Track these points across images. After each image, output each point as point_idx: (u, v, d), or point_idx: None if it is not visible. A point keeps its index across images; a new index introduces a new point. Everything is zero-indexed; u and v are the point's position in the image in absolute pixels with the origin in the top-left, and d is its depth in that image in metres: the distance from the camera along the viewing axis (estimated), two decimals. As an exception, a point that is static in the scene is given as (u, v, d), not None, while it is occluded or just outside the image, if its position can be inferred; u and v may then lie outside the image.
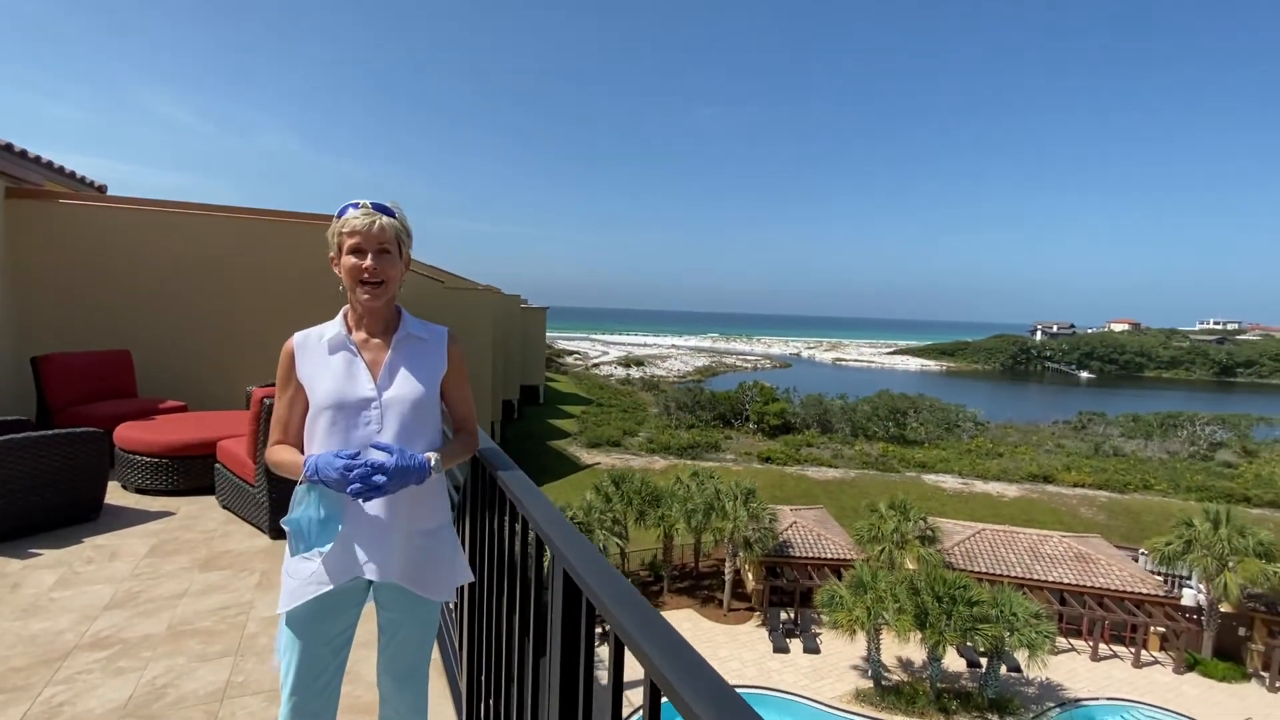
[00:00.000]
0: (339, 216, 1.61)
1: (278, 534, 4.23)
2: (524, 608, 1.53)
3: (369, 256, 1.58)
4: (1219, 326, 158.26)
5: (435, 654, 2.90)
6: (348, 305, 1.68)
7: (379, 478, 1.46)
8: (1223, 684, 20.32)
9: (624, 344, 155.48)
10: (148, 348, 6.83)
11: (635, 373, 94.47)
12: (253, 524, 4.39)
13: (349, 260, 1.58)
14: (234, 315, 7.40)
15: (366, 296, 1.60)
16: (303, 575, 1.57)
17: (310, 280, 7.73)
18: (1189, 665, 21.00)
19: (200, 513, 4.66)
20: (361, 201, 1.60)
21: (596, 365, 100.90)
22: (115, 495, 4.90)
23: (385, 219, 1.60)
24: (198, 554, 3.93)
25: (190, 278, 7.20)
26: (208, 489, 5.00)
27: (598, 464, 38.70)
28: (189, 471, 4.95)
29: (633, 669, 0.88)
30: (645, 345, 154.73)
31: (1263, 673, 20.62)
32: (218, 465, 4.72)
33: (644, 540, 26.64)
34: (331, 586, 1.57)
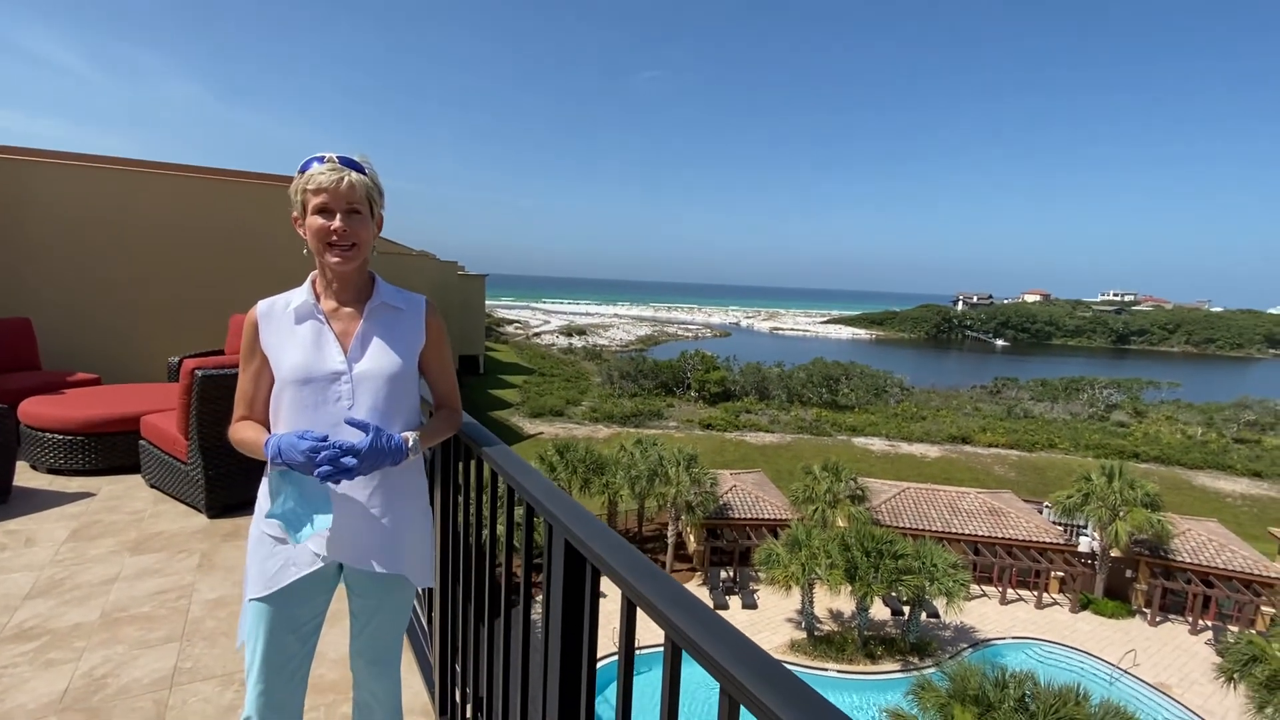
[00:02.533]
0: (302, 172, 1.46)
1: (216, 513, 4.02)
2: (509, 579, 1.53)
3: (337, 217, 1.45)
4: (1117, 298, 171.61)
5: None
6: (315, 271, 1.56)
7: (349, 460, 1.36)
8: (1111, 620, 22.67)
9: (566, 313, 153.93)
10: (50, 316, 6.25)
11: (578, 342, 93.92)
12: (187, 503, 4.14)
13: (315, 221, 1.45)
14: (148, 281, 6.84)
15: (336, 260, 1.47)
16: (273, 559, 1.49)
17: (232, 242, 7.23)
18: (1083, 605, 23.27)
19: (125, 493, 4.36)
20: (327, 155, 1.45)
21: (538, 334, 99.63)
22: (25, 477, 4.51)
23: (354, 175, 1.45)
24: (127, 536, 3.69)
25: (94, 239, 6.59)
26: (131, 468, 4.67)
27: (541, 434, 38.55)
28: (109, 449, 4.60)
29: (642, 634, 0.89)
30: (588, 314, 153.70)
31: (1145, 609, 23.10)
32: (143, 442, 4.41)
33: (588, 508, 26.46)
34: (306, 571, 1.49)
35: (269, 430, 1.52)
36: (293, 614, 1.50)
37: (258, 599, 1.47)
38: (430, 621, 2.28)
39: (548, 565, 1.17)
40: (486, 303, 66.65)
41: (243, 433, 1.51)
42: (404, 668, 2.61)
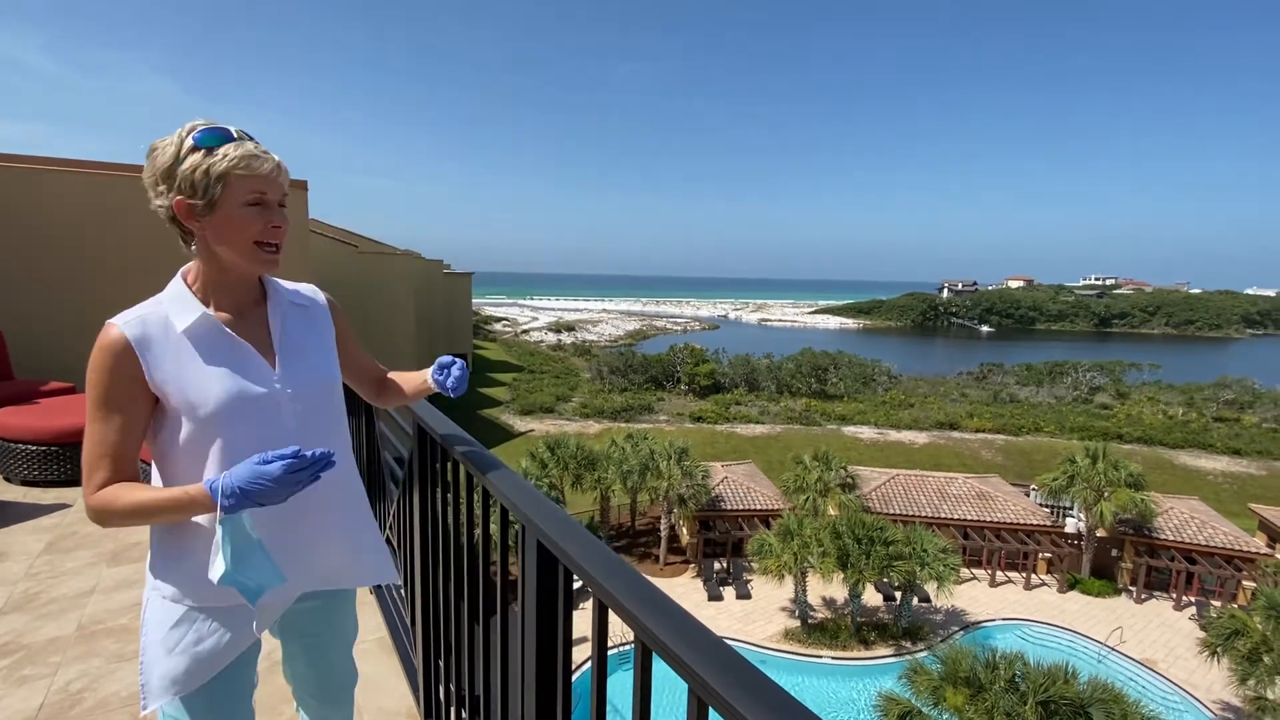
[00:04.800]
0: (204, 147, 1.16)
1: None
2: (488, 579, 1.50)
3: (277, 212, 1.23)
4: (1099, 282, 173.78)
5: (384, 631, 2.84)
6: (185, 270, 1.29)
7: (328, 454, 1.21)
8: (1098, 599, 23.03)
9: (554, 309, 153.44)
10: (20, 323, 6.11)
11: (566, 338, 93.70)
12: (166, 511, 4.07)
13: (247, 216, 1.19)
14: (123, 286, 6.71)
15: (269, 263, 1.25)
16: (209, 638, 1.23)
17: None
18: (1070, 585, 23.62)
19: (102, 503, 4.27)
20: (233, 129, 1.20)
21: (526, 332, 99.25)
22: (-3, 489, 4.42)
23: (280, 160, 1.25)
24: (103, 548, 3.62)
25: (65, 244, 6.45)
26: (109, 477, 4.58)
27: (531, 431, 38.43)
28: (85, 459, 4.51)
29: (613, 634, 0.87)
30: (576, 310, 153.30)
31: (1130, 587, 23.49)
32: (119, 451, 4.32)
33: (581, 503, 26.91)
34: (259, 635, 1.28)
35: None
36: (239, 685, 1.30)
37: (196, 694, 1.23)
38: (413, 622, 2.25)
39: (521, 567, 1.15)
40: (473, 301, 66.25)
41: (130, 496, 1.14)
42: (388, 670, 2.59)
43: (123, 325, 1.17)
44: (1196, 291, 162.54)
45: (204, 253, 1.25)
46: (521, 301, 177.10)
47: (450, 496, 1.73)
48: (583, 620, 1.37)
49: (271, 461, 1.10)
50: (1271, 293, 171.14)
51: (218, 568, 1.10)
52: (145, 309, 1.22)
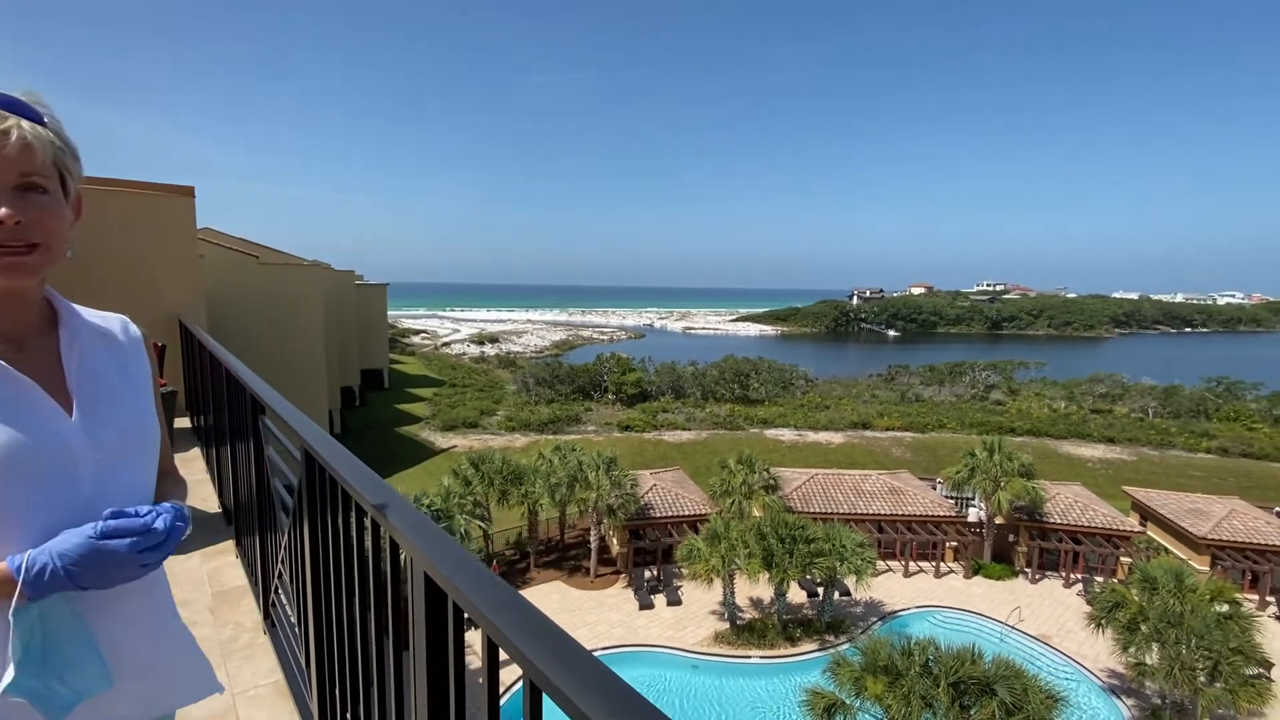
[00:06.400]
0: None
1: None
2: (380, 614, 1.38)
3: (3, 197, 0.91)
4: (990, 288, 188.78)
5: (279, 674, 2.61)
6: None
7: (181, 524, 1.01)
8: (999, 582, 24.81)
9: (476, 321, 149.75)
10: None
11: (490, 350, 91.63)
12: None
13: None
14: None
15: (8, 263, 0.92)
16: None
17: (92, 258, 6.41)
18: (975, 570, 25.32)
19: None
20: None
21: (447, 344, 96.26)
22: None
23: (29, 126, 0.92)
24: None
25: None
26: None
27: (454, 447, 37.19)
28: None
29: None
30: (499, 321, 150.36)
31: (1026, 569, 25.45)
32: None
33: (508, 519, 26.25)
34: None
35: None
36: None
37: None
38: (309, 664, 2.07)
39: (410, 602, 1.06)
40: (390, 313, 63.61)
41: None
42: (284, 717, 2.37)
43: None
44: (1073, 296, 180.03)
45: None
46: (441, 313, 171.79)
47: (341, 527, 1.60)
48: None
49: (110, 536, 0.89)
50: (1135, 296, 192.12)
51: (5, 675, 0.85)
52: None
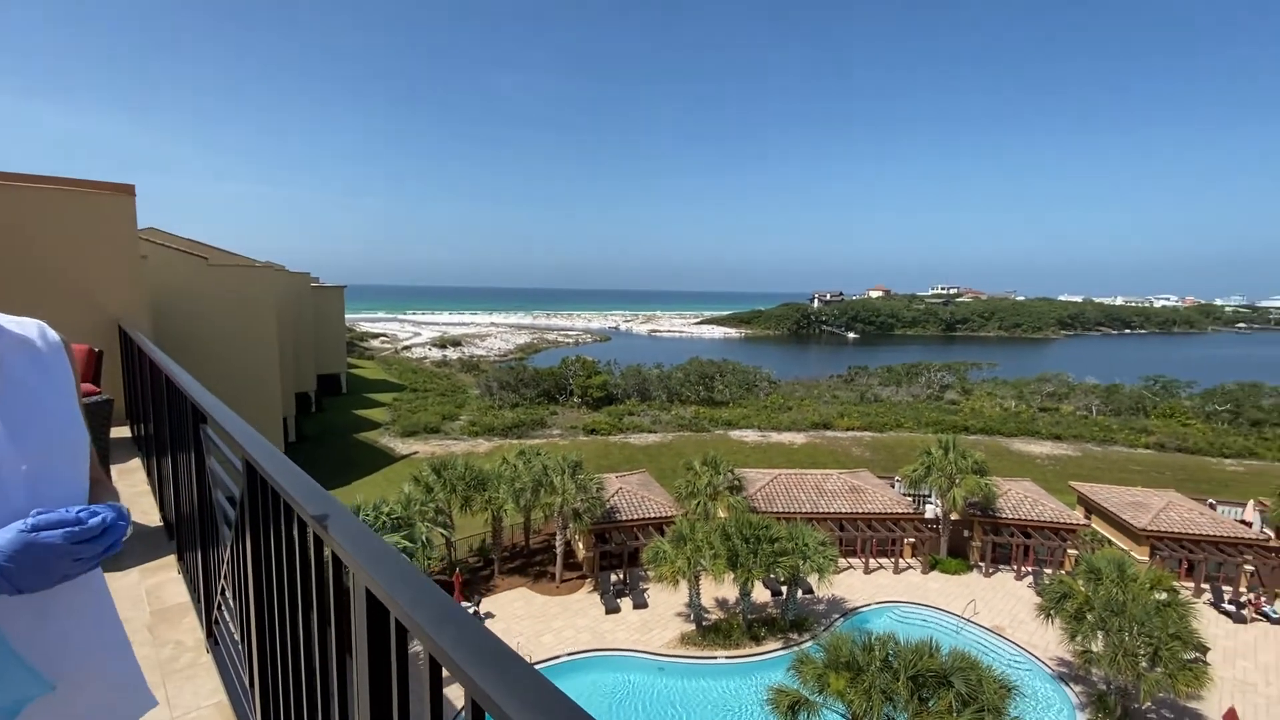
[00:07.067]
0: None
1: None
2: (324, 632, 1.33)
3: None
4: (944, 291, 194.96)
5: (223, 695, 2.50)
6: None
7: (122, 521, 0.97)
8: (955, 576, 25.57)
9: (438, 324, 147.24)
10: None
11: (452, 354, 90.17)
12: None
13: None
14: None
15: None
16: None
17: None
18: (932, 565, 26.03)
19: None
20: None
21: (408, 348, 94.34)
22: None
23: None
24: None
25: None
26: None
27: (415, 453, 36.44)
28: None
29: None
30: (462, 324, 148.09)
31: (980, 563, 26.29)
32: None
33: (472, 526, 25.83)
34: None
35: None
36: None
37: None
38: (252, 684, 1.98)
39: (353, 619, 1.02)
40: (347, 316, 62.10)
41: None
42: (227, 743, 2.27)
43: None
44: (1022, 298, 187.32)
45: None
46: (402, 316, 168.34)
47: (284, 541, 1.53)
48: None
49: (42, 529, 0.85)
50: (1079, 299, 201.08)
51: None
52: None
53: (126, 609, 3.19)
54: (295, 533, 1.41)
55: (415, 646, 0.93)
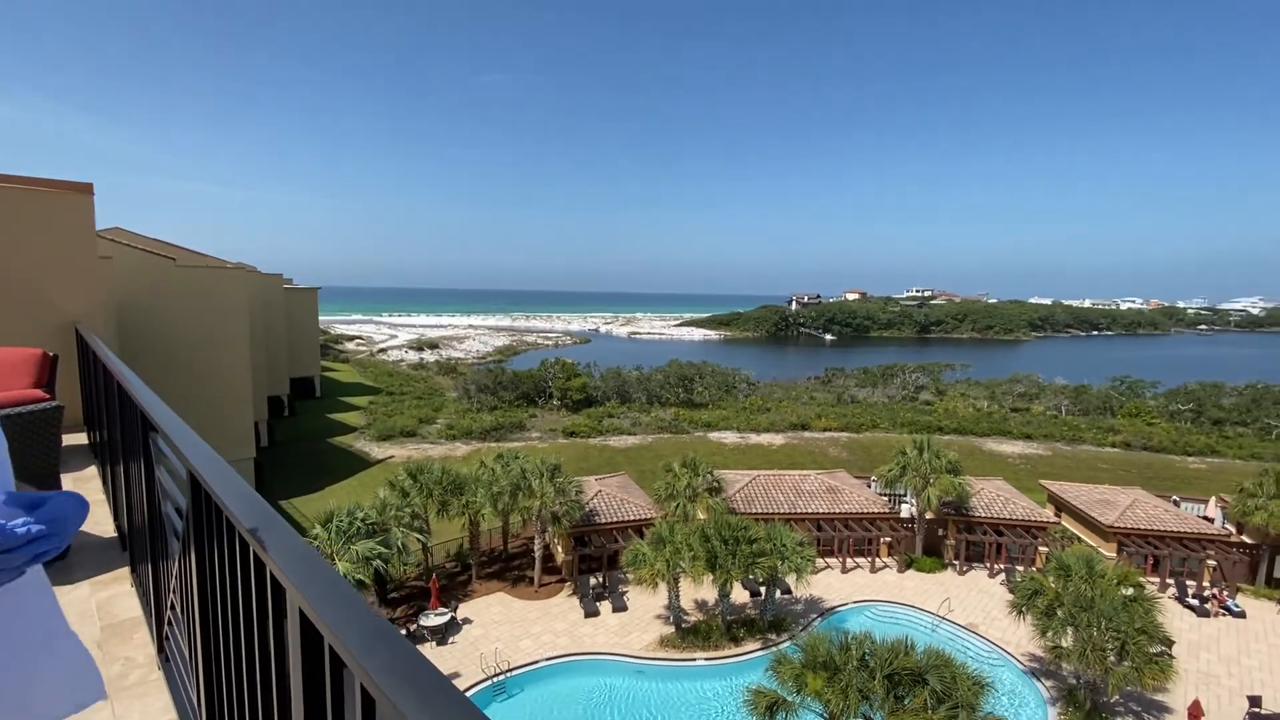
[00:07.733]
0: None
1: None
2: (265, 653, 1.26)
3: None
4: (919, 294, 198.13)
5: (173, 714, 2.39)
6: None
7: (81, 509, 0.97)
8: (930, 575, 25.92)
9: (415, 326, 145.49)
10: None
11: (429, 356, 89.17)
12: None
13: None
14: None
15: None
16: None
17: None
18: (907, 564, 26.37)
19: None
20: None
21: (384, 350, 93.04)
22: None
23: None
24: None
25: None
26: None
27: (391, 457, 35.90)
28: None
29: None
30: (439, 326, 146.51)
31: (954, 561, 26.71)
32: None
33: (449, 530, 25.51)
34: None
35: None
36: None
37: None
38: (200, 703, 1.89)
39: (287, 643, 0.96)
40: (321, 318, 61.09)
41: None
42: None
43: None
44: (994, 301, 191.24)
45: None
46: (378, 318, 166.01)
47: (227, 557, 1.46)
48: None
49: None
50: (1048, 301, 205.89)
51: None
52: None
53: (73, 624, 3.05)
54: (238, 549, 1.34)
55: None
